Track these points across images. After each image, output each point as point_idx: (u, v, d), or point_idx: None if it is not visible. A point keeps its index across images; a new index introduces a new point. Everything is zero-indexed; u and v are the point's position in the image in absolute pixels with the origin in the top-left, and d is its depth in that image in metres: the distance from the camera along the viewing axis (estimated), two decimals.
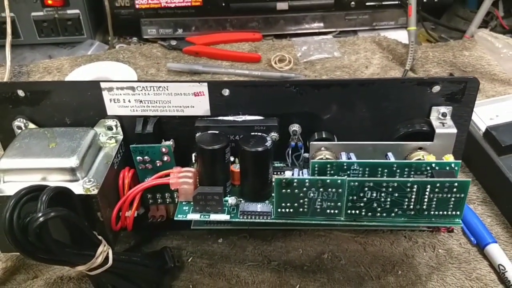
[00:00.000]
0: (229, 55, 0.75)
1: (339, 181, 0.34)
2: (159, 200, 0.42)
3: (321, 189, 0.35)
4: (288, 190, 0.35)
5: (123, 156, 0.41)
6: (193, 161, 0.41)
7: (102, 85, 0.39)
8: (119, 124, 0.41)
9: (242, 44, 0.77)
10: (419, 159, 0.38)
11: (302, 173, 0.37)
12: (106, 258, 0.35)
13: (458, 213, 0.35)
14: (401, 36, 0.78)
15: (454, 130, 0.38)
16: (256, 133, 0.39)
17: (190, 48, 0.76)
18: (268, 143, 0.37)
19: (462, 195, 0.34)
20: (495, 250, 0.45)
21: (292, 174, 0.36)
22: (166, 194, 0.42)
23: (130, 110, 0.40)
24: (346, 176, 0.35)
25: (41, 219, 0.30)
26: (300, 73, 0.71)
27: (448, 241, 0.47)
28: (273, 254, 0.46)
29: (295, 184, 0.35)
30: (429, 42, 0.80)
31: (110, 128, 0.41)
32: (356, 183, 0.34)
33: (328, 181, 0.34)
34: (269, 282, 0.43)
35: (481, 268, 0.44)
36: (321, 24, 0.81)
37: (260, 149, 0.36)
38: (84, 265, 0.34)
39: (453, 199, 0.35)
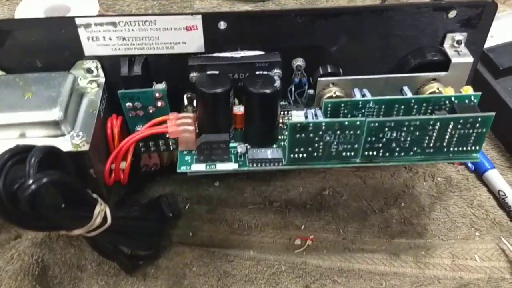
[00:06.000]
0: None
1: (358, 122, 0.32)
2: (152, 148, 0.38)
3: (338, 132, 0.32)
4: (303, 135, 0.32)
5: (107, 102, 0.36)
6: (185, 104, 0.37)
7: (78, 21, 0.33)
8: (99, 66, 0.35)
9: None
10: (434, 91, 0.36)
11: (314, 114, 0.34)
12: (104, 217, 0.32)
13: (477, 148, 0.34)
14: None
15: (471, 59, 0.36)
16: (261, 72, 0.35)
17: None
18: (277, 83, 0.33)
19: (484, 130, 0.33)
20: (494, 176, 0.45)
21: (306, 117, 0.33)
22: (160, 142, 0.38)
23: (111, 49, 0.35)
24: (365, 117, 0.32)
25: (33, 186, 0.26)
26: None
27: (446, 169, 0.46)
28: (273, 194, 0.44)
29: (310, 128, 0.32)
30: None
31: (89, 71, 0.35)
32: (376, 124, 0.32)
33: (346, 123, 0.32)
34: (273, 224, 0.42)
35: (481, 194, 0.44)
36: None
37: (268, 91, 0.33)
38: (82, 228, 0.31)
39: (474, 134, 0.33)
